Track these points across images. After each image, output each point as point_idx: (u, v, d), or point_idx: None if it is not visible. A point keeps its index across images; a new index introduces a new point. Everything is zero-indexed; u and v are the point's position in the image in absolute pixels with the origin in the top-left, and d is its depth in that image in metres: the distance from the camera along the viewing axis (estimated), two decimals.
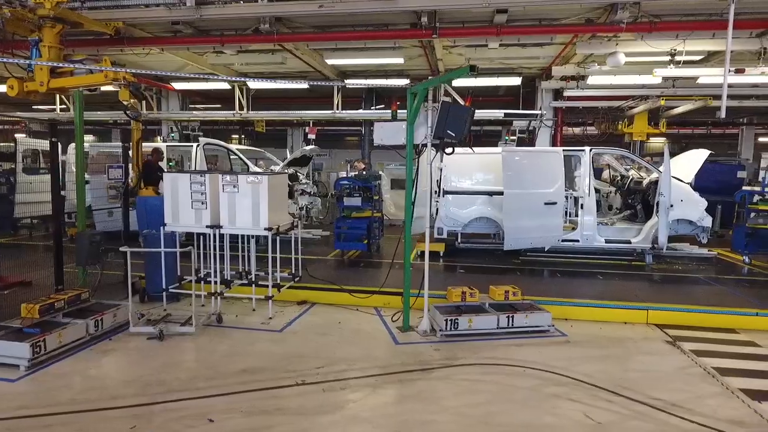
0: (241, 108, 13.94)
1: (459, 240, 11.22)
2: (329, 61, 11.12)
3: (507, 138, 13.84)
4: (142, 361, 5.33)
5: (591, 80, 12.03)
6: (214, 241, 6.76)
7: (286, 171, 12.20)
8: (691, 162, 10.83)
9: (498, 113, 13.04)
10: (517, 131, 14.08)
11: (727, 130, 22.89)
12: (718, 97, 11.18)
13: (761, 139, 24.35)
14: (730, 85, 7.93)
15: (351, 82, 13.34)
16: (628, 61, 10.04)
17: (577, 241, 10.27)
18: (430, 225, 7.39)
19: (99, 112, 15.40)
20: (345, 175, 11.34)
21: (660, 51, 9.04)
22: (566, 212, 11.08)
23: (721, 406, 4.44)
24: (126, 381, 4.82)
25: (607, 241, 10.30)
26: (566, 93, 12.34)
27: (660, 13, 8.18)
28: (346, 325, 6.52)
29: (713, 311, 6.76)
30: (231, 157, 11.46)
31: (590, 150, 10.31)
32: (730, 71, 7.18)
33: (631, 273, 9.14)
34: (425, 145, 6.47)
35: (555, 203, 9.64)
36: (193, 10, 8.01)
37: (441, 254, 10.69)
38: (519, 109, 13.96)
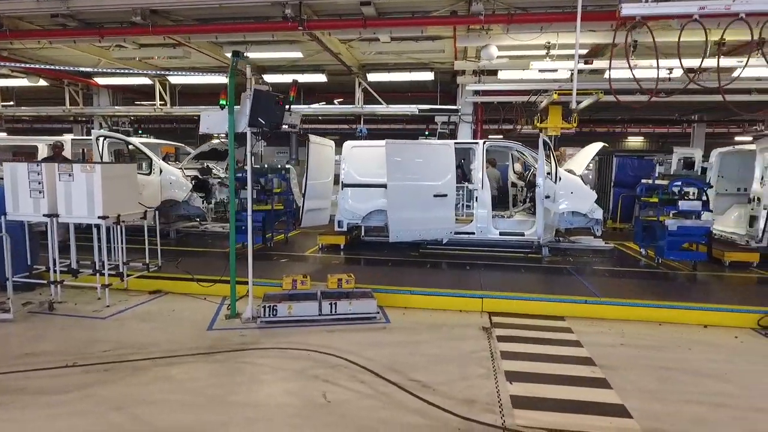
0: (164, 103, 13.98)
1: (363, 233, 11.33)
2: (230, 56, 11.16)
3: (427, 134, 13.87)
4: None
5: (501, 75, 12.08)
6: (52, 230, 6.80)
7: (199, 165, 12.28)
8: (584, 155, 10.88)
9: (413, 108, 13.07)
10: (439, 126, 14.11)
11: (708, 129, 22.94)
12: (623, 92, 11.48)
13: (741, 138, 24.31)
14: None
15: (269, 78, 13.37)
16: (532, 55, 10.12)
17: (473, 233, 10.33)
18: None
19: None
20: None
21: (541, 44, 9.07)
22: (464, 205, 11.19)
23: (471, 387, 4.50)
24: None
25: (501, 234, 10.35)
26: (470, 87, 12.36)
27: (524, 5, 8.22)
28: (177, 313, 6.58)
29: (542, 299, 6.81)
30: (129, 148, 11.48)
31: (483, 143, 10.37)
32: (580, 62, 7.17)
33: (518, 265, 9.16)
34: (257, 134, 6.51)
35: (445, 195, 9.67)
36: (59, 2, 8.08)
37: (341, 247, 10.71)
38: (438, 104, 13.95)
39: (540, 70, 10.37)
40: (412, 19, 8.54)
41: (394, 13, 8.78)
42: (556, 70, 10.21)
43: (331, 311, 6.32)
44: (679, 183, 9.36)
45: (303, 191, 9.99)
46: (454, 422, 3.88)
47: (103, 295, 6.98)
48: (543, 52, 9.51)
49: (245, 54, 5.82)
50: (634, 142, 31.47)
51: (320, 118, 21.32)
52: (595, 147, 10.61)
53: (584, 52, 10.25)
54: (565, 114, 13.10)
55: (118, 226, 7.18)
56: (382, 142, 10.78)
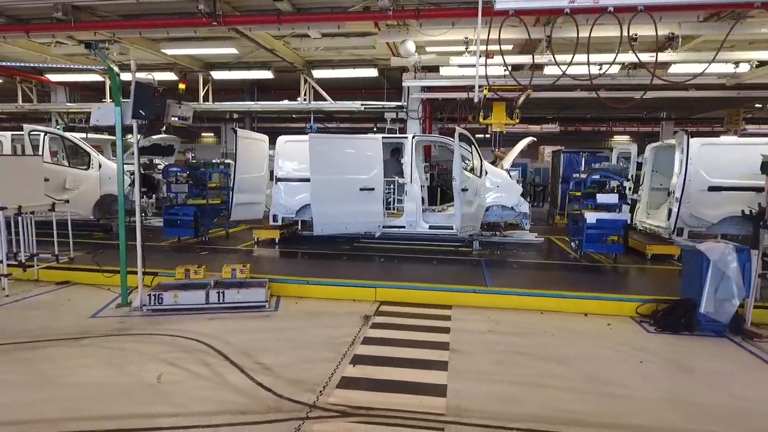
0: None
1: (300, 227, 11.46)
2: (167, 51, 11.31)
3: (375, 129, 14.00)
4: None
5: (443, 71, 12.19)
6: None
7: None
8: (514, 150, 11.00)
9: (357, 105, 13.19)
10: (388, 123, 14.24)
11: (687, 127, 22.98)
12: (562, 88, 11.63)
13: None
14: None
15: (217, 75, 13.52)
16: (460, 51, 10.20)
17: (404, 227, 10.45)
18: None
19: None
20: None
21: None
22: (395, 199, 11.30)
23: (310, 369, 4.61)
24: None
25: (431, 227, 10.47)
26: (406, 83, 12.49)
27: (437, 0, 8.34)
28: (72, 302, 6.72)
29: (432, 288, 6.94)
30: (66, 144, 11.60)
31: (413, 137, 10.49)
32: (482, 57, 7.31)
33: (443, 258, 9.28)
34: (147, 126, 6.62)
35: (373, 189, 9.79)
36: None
37: (276, 241, 10.83)
38: (386, 102, 14.07)
39: (459, 66, 10.47)
40: (325, 15, 8.64)
41: (312, 8, 8.90)
42: (473, 66, 10.27)
43: (219, 300, 6.45)
44: (597, 176, 9.48)
45: (232, 185, 10.13)
46: (269, 401, 4.01)
47: (17, 287, 7.12)
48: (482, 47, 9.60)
49: (106, 46, 5.90)
50: (621, 141, 31.55)
51: (294, 116, 21.50)
52: (524, 142, 10.73)
53: (510, 47, 10.35)
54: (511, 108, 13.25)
55: (25, 218, 7.28)
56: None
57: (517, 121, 12.80)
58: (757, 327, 5.77)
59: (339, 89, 15.56)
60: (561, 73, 6.82)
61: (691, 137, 9.07)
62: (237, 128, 9.94)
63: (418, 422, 3.68)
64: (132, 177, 11.57)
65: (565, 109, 22.51)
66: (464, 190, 9.11)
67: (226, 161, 12.23)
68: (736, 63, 10.44)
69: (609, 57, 9.31)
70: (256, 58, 12.32)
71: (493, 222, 11.06)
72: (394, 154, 11.44)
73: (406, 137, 10.51)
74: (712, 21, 8.71)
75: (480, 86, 10.89)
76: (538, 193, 21.93)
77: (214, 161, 11.22)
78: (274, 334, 5.62)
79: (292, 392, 4.14)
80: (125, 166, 11.80)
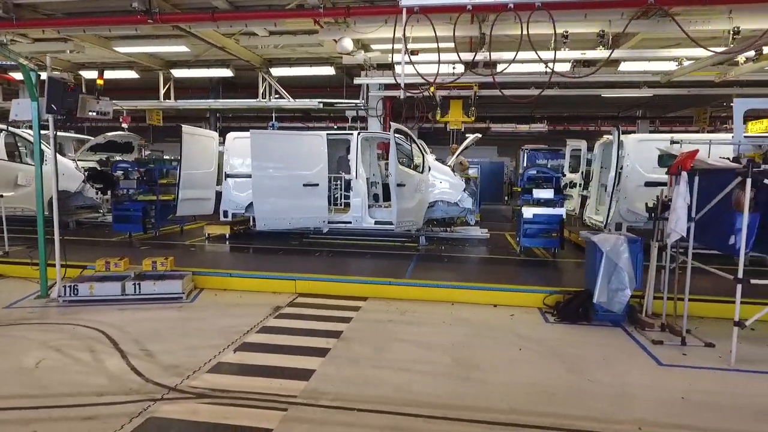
0: None
1: (252, 223, 11.57)
2: (120, 50, 11.43)
3: (335, 127, 14.12)
4: None
5: (398, 69, 12.28)
6: None
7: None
8: (461, 147, 11.12)
9: (315, 102, 13.32)
10: (349, 121, 14.37)
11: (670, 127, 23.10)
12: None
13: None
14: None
15: (177, 73, 13.65)
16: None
17: (350, 222, 10.56)
18: None
19: None
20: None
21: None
22: (342, 195, 11.42)
23: (191, 355, 4.73)
24: None
25: (376, 223, 10.57)
26: (357, 81, 12.63)
27: None
28: None
29: (349, 281, 7.08)
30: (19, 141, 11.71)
31: (358, 134, 10.61)
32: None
33: (386, 252, 9.44)
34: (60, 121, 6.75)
35: (317, 185, 9.90)
36: None
37: (227, 236, 10.94)
38: (344, 100, 14.19)
39: (397, 64, 10.57)
40: (261, 12, 8.77)
41: (249, 6, 9.02)
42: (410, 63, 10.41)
43: (135, 291, 6.58)
44: (533, 172, 9.61)
45: (178, 181, 10.25)
46: (134, 384, 4.14)
47: None
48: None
49: (5, 43, 6.05)
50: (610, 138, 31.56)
51: (258, 115, 21.53)
52: (470, 138, 10.84)
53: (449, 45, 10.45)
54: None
55: None
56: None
57: (473, 118, 12.91)
58: (656, 317, 5.87)
59: (303, 88, 15.71)
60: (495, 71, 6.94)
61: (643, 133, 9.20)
62: (182, 126, 10.02)
63: (266, 403, 3.81)
64: (86, 173, 11.74)
65: (541, 108, 22.60)
66: (401, 185, 9.24)
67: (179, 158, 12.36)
68: (679, 61, 10.56)
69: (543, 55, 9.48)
70: (215, 56, 12.44)
71: (450, 218, 11.20)
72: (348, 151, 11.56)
73: (351, 134, 10.62)
74: (643, 19, 8.81)
75: (424, 85, 11.09)
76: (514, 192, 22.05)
77: (165, 158, 11.34)
78: (177, 324, 5.75)
79: (162, 376, 4.26)
80: (80, 162, 12.09)
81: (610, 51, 8.80)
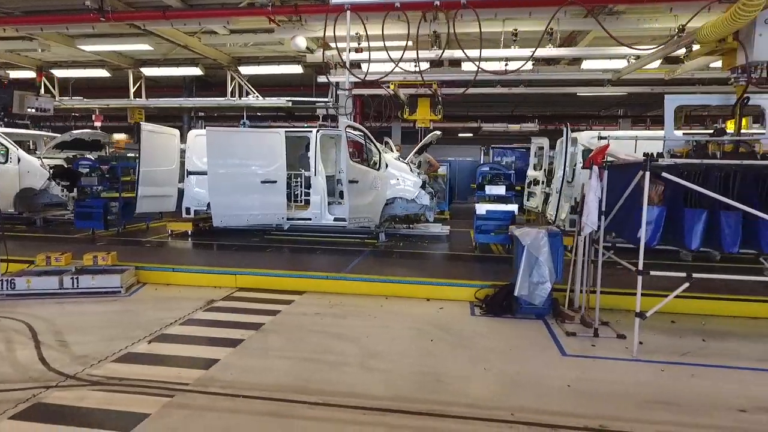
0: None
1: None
2: (84, 48, 11.52)
3: (306, 125, 14.21)
4: None
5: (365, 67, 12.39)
6: None
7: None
8: (420, 144, 11.23)
9: (283, 101, 13.42)
10: (320, 119, 14.48)
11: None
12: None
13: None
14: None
15: (148, 72, 13.76)
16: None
17: (309, 219, 10.65)
18: None
19: None
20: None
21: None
22: (302, 192, 11.51)
23: (107, 346, 4.82)
24: None
25: (335, 219, 10.65)
26: (321, 79, 12.74)
27: None
28: None
29: (287, 275, 7.18)
30: None
31: (317, 131, 10.70)
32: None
33: (343, 249, 9.52)
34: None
35: (275, 182, 10.00)
36: None
37: (190, 233, 11.05)
38: (314, 97, 14.30)
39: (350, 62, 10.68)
40: (211, 11, 8.88)
41: (201, 5, 9.13)
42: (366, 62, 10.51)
43: (73, 285, 6.68)
44: (487, 169, 9.71)
45: (137, 178, 10.35)
46: (36, 372, 4.24)
47: None
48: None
49: None
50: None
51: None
52: (429, 137, 10.95)
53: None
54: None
55: None
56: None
57: (439, 117, 12.99)
58: (580, 310, 5.96)
59: (276, 86, 15.81)
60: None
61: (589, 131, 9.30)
62: (141, 123, 10.12)
63: (155, 390, 3.91)
64: (51, 171, 11.84)
65: (525, 107, 22.70)
66: (354, 181, 9.33)
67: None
68: (636, 57, 10.63)
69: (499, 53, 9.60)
70: (184, 55, 12.55)
71: (416, 215, 11.29)
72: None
73: (310, 131, 10.72)
74: (589, 17, 8.91)
75: (386, 82, 11.20)
76: None
77: (129, 155, 11.44)
78: (106, 317, 5.85)
79: (67, 366, 4.36)
80: (47, 160, 12.17)
81: (554, 49, 8.93)
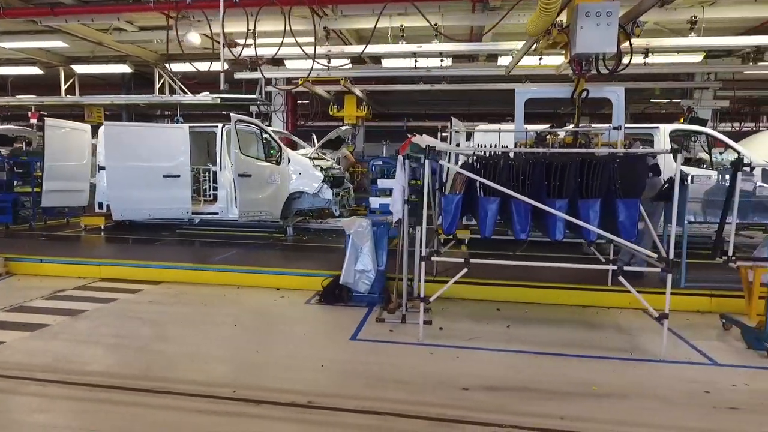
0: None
1: None
2: (4, 45, 11.61)
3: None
4: None
5: (288, 64, 12.55)
6: None
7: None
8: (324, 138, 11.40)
9: (209, 98, 13.57)
10: (253, 117, 14.60)
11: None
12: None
13: None
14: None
15: (79, 69, 13.91)
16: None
17: (217, 213, 10.79)
18: None
19: None
20: None
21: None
22: (210, 186, 11.64)
23: None
24: None
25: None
26: (239, 76, 12.90)
27: None
28: None
29: (147, 266, 7.31)
30: None
31: (223, 126, 10.82)
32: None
33: (250, 243, 9.70)
34: None
35: (178, 176, 10.12)
36: None
37: (102, 227, 11.17)
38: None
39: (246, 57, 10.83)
40: (102, 7, 9.02)
41: (95, 1, 9.27)
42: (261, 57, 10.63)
43: None
44: (380, 162, 9.85)
45: (41, 173, 10.49)
46: None
47: None
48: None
49: None
50: None
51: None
52: (335, 131, 11.09)
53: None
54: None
55: None
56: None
57: (364, 113, 13.16)
58: (412, 299, 6.06)
59: (212, 84, 15.92)
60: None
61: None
62: (45, 118, 10.27)
63: None
64: None
65: (475, 105, 22.81)
66: (245, 175, 9.45)
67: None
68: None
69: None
70: (112, 53, 12.68)
71: (324, 209, 11.42)
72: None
73: (216, 126, 10.85)
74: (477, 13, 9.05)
75: (295, 79, 11.36)
76: None
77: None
78: None
79: None
80: None
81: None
